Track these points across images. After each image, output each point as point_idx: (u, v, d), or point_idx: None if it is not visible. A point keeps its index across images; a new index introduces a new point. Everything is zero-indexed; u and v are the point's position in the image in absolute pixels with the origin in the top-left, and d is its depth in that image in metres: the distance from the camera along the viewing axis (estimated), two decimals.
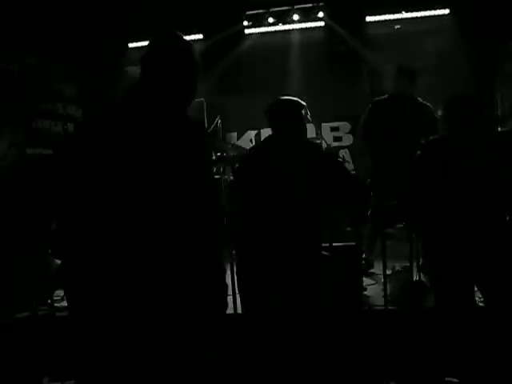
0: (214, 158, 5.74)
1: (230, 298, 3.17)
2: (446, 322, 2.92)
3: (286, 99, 2.87)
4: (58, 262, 4.22)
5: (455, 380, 3.16)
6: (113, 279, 1.75)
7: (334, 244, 3.45)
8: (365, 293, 3.92)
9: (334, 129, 7.99)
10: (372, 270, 4.62)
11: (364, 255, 4.55)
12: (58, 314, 4.01)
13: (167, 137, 1.77)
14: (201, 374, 1.91)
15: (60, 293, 4.22)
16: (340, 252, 3.52)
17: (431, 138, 3.03)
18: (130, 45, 7.39)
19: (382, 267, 3.65)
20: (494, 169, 2.73)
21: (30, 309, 4.05)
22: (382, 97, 4.77)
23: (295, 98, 2.87)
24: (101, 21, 7.00)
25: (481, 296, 3.32)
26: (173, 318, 1.80)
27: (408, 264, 3.72)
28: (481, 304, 3.32)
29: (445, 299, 2.91)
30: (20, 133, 5.50)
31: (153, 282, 1.76)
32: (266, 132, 8.32)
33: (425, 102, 4.63)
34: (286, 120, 2.80)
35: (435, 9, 6.77)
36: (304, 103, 2.87)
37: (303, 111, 2.83)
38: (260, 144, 3.19)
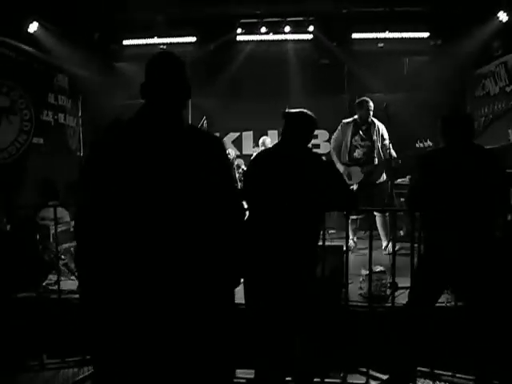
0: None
1: None
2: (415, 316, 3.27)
3: (302, 112, 3.17)
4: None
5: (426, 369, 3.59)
6: (126, 273, 1.88)
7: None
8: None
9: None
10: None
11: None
12: (52, 296, 4.24)
13: (173, 141, 1.95)
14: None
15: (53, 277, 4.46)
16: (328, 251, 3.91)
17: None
18: (125, 42, 7.57)
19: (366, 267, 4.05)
20: (485, 180, 3.07)
21: (31, 289, 4.27)
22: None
23: (310, 113, 3.18)
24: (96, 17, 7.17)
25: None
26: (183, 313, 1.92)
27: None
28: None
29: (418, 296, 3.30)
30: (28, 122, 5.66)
31: (162, 276, 1.89)
32: (247, 135, 8.68)
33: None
34: (299, 130, 3.13)
35: (416, 31, 7.21)
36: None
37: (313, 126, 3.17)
38: (269, 149, 3.48)
